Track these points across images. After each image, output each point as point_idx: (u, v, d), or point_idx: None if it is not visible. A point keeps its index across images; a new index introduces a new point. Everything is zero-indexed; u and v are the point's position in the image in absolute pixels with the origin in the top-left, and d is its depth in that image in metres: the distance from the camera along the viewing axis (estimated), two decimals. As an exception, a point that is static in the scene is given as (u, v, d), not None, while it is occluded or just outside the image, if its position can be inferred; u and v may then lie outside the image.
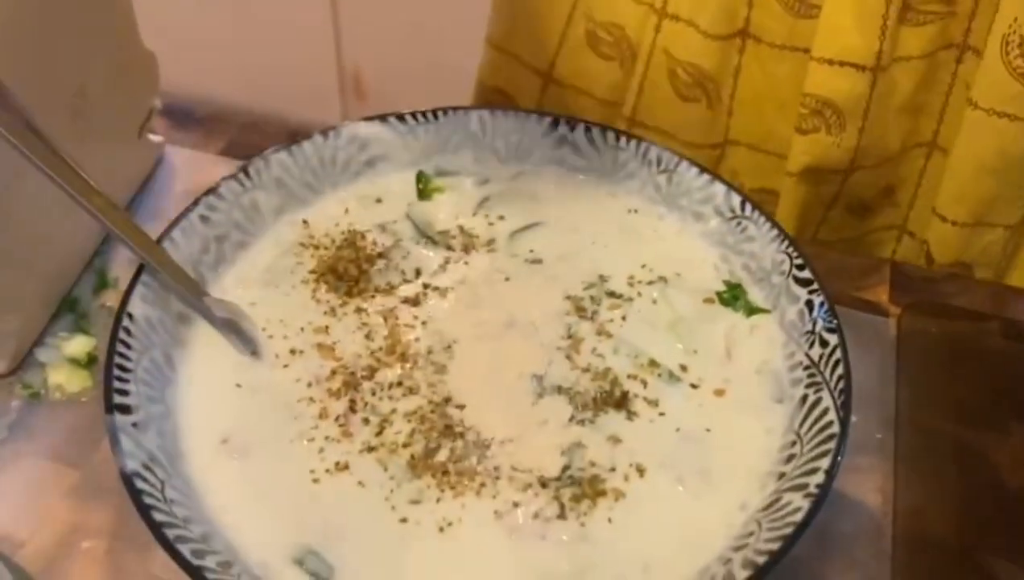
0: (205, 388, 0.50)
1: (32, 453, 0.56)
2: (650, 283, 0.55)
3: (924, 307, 0.64)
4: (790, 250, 0.53)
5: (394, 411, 0.49)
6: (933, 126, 0.71)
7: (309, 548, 0.44)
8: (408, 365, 0.51)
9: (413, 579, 0.44)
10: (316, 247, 0.57)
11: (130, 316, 0.48)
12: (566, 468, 0.47)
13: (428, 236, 0.57)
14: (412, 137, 0.59)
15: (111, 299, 0.63)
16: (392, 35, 1.77)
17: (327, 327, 0.53)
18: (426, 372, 0.50)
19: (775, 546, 0.41)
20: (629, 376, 0.51)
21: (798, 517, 0.42)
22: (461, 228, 0.58)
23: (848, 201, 0.76)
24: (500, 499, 0.46)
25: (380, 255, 0.56)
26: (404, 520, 0.45)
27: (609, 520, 0.45)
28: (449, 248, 0.57)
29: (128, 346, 0.47)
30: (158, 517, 0.41)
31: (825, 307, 0.50)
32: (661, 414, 0.49)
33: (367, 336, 0.52)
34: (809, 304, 0.51)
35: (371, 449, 0.47)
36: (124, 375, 0.46)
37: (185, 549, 0.40)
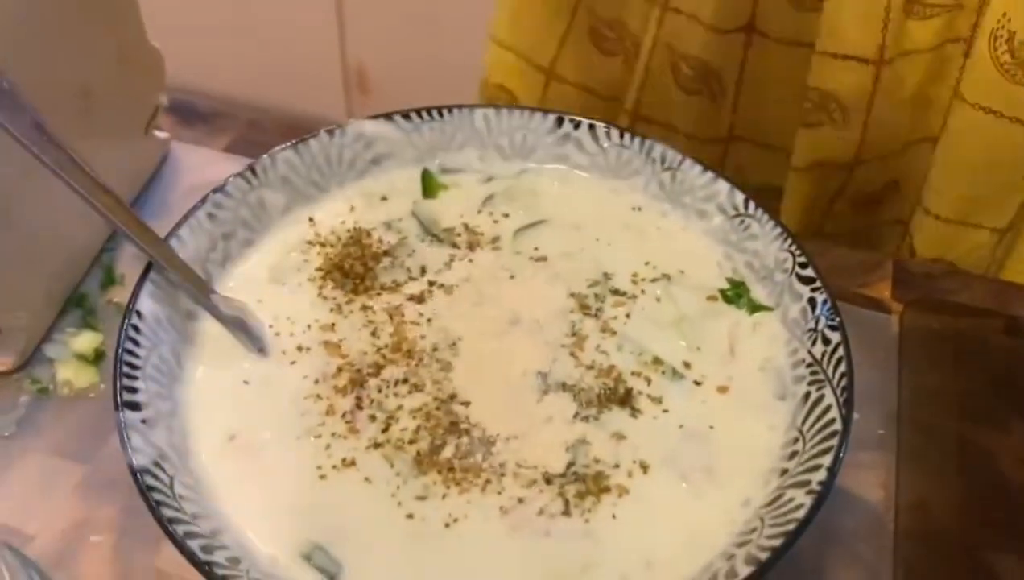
0: (213, 385, 0.50)
1: (40, 448, 0.56)
2: (654, 281, 0.55)
3: (927, 304, 0.64)
4: (793, 248, 0.53)
5: (400, 408, 0.49)
6: (940, 121, 0.71)
7: (316, 544, 0.44)
8: (414, 362, 0.51)
9: (419, 574, 0.44)
10: (322, 245, 0.57)
11: (139, 314, 0.49)
12: (570, 465, 0.47)
13: (433, 234, 0.58)
14: (417, 135, 0.60)
15: (118, 295, 0.64)
16: (396, 30, 1.77)
17: (333, 324, 0.53)
18: (431, 369, 0.51)
19: (777, 542, 0.41)
20: (633, 373, 0.51)
21: (800, 514, 0.42)
22: (466, 225, 0.58)
23: (853, 195, 0.76)
24: (505, 495, 0.46)
25: (386, 253, 0.56)
26: (410, 516, 0.45)
27: (613, 516, 0.46)
28: (454, 246, 0.57)
29: (137, 343, 0.48)
30: (168, 513, 0.42)
31: (828, 305, 0.50)
32: (665, 411, 0.50)
33: (373, 333, 0.52)
34: (812, 302, 0.51)
35: (377, 445, 0.48)
36: (133, 372, 0.47)
37: (195, 545, 0.41)
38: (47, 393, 0.59)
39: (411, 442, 0.48)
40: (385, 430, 0.48)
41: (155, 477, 0.43)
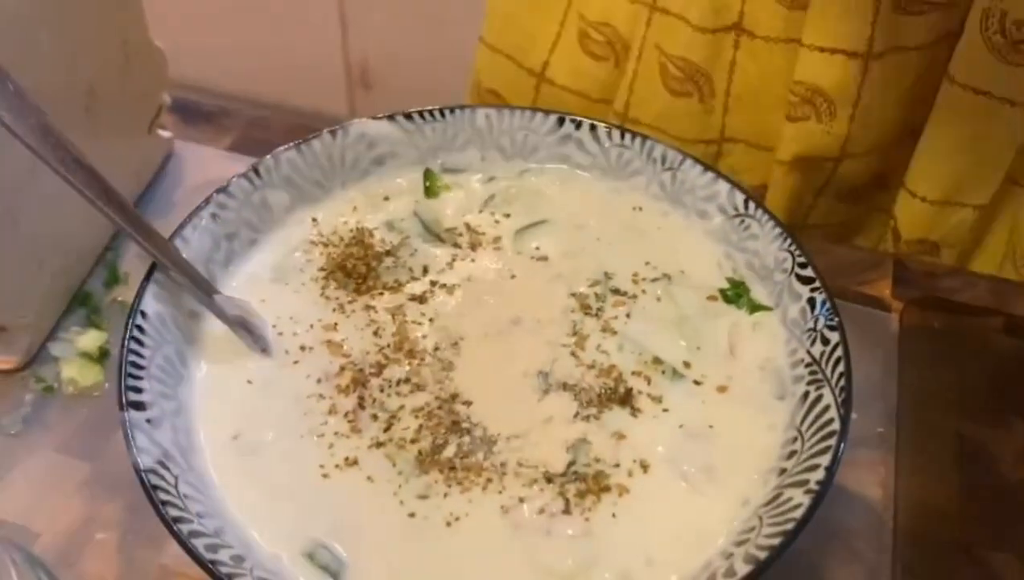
0: (217, 384, 0.50)
1: (46, 446, 0.57)
2: (654, 280, 0.56)
3: (926, 302, 0.64)
4: (792, 248, 0.53)
5: (402, 407, 0.49)
6: (924, 109, 0.71)
7: (320, 542, 0.45)
8: (416, 362, 0.51)
9: (421, 572, 0.44)
10: (325, 245, 0.57)
11: (143, 314, 0.49)
12: (571, 464, 0.47)
13: (435, 233, 0.58)
14: (419, 135, 0.60)
15: (122, 294, 0.64)
16: (398, 25, 1.77)
17: (336, 324, 0.53)
18: (433, 369, 0.51)
19: (776, 541, 0.42)
20: (633, 373, 0.51)
21: (799, 513, 0.42)
22: (468, 225, 0.58)
23: (838, 188, 0.76)
24: (506, 494, 0.46)
25: (388, 253, 0.57)
26: (412, 515, 0.46)
27: (613, 515, 0.46)
28: (456, 245, 0.57)
29: (141, 343, 0.48)
30: (172, 512, 0.42)
31: (827, 305, 0.50)
32: (665, 411, 0.50)
33: (375, 333, 0.53)
34: (811, 302, 0.51)
35: (380, 445, 0.48)
36: (138, 372, 0.47)
37: (199, 544, 0.41)
38: (52, 391, 0.59)
39: (413, 441, 0.48)
40: (387, 429, 0.49)
41: (160, 476, 0.44)
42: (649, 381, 0.51)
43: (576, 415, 0.49)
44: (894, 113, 0.70)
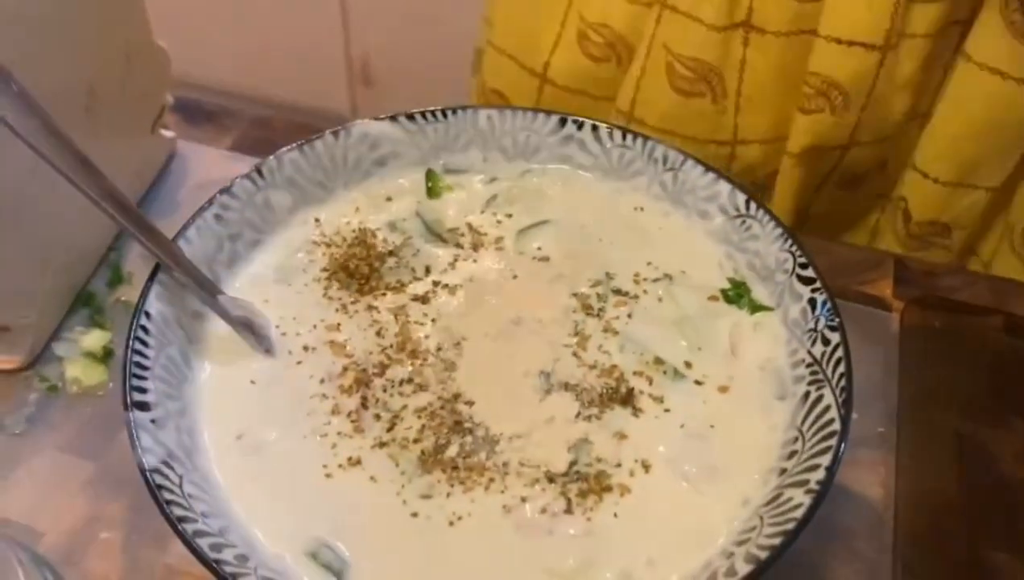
0: (220, 384, 0.51)
1: (50, 446, 0.57)
2: (656, 281, 0.56)
3: (927, 302, 0.65)
4: (793, 248, 0.53)
5: (405, 407, 0.50)
6: (930, 99, 0.71)
7: (323, 541, 0.45)
8: (418, 362, 0.52)
9: (424, 572, 0.45)
10: (328, 245, 0.57)
11: (147, 314, 0.49)
12: (573, 464, 0.48)
13: (437, 234, 0.58)
14: (421, 136, 0.60)
15: (126, 294, 0.64)
16: (399, 23, 1.77)
17: (339, 324, 0.53)
18: (436, 369, 0.51)
19: (776, 541, 0.42)
20: (635, 373, 0.51)
21: (799, 513, 0.43)
22: (470, 226, 0.59)
23: (841, 176, 0.76)
24: (508, 494, 0.47)
25: (390, 253, 0.57)
26: (415, 514, 0.46)
27: (615, 515, 0.46)
28: (458, 246, 0.58)
29: (146, 344, 0.48)
30: (177, 512, 0.42)
31: (827, 305, 0.50)
32: (666, 410, 0.50)
33: (378, 333, 0.53)
34: (812, 302, 0.51)
35: (382, 445, 0.48)
36: (142, 373, 0.47)
37: (204, 543, 0.41)
38: (56, 391, 0.59)
39: (416, 441, 0.48)
40: (390, 429, 0.49)
41: (164, 476, 0.44)
42: (650, 381, 0.51)
43: (578, 415, 0.50)
44: (900, 99, 0.70)
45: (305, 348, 0.53)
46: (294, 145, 0.57)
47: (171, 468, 0.45)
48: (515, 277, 0.56)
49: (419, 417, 0.49)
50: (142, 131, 0.69)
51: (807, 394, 0.49)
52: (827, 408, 0.47)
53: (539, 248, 0.58)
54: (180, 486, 0.44)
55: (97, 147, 0.49)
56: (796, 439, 0.47)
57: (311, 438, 0.49)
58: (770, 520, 0.44)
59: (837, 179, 0.76)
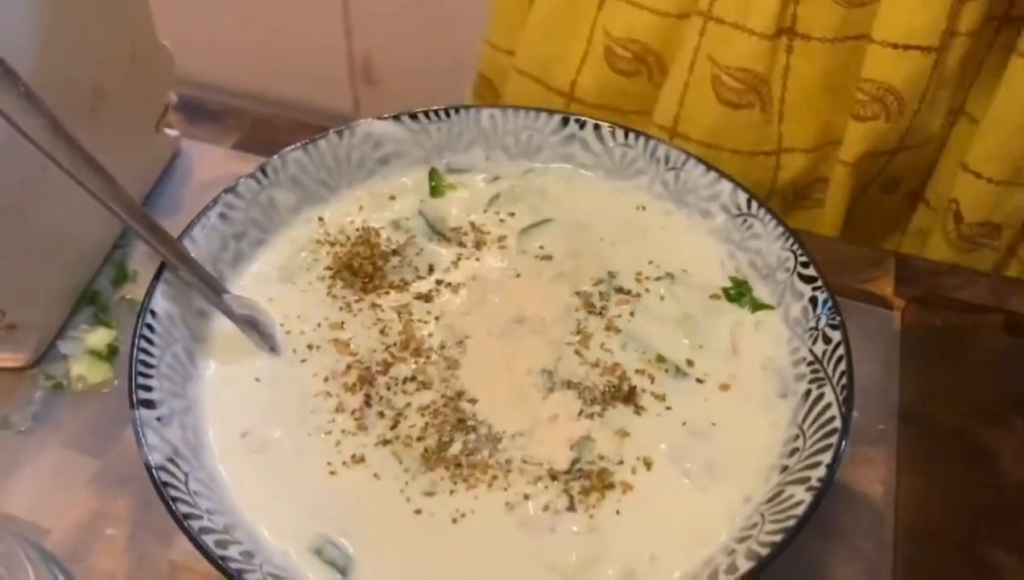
0: (225, 382, 0.51)
1: (56, 443, 0.57)
2: (658, 279, 0.56)
3: (928, 300, 0.65)
4: (794, 247, 0.53)
5: (408, 405, 0.50)
6: (962, 95, 0.71)
7: (327, 538, 0.45)
8: (421, 360, 0.52)
9: (427, 569, 0.45)
10: (332, 244, 0.58)
11: (152, 313, 0.49)
12: (575, 461, 0.48)
13: (440, 233, 0.58)
14: (424, 135, 0.60)
15: (131, 292, 0.65)
16: (401, 21, 1.77)
17: (343, 323, 0.54)
18: (439, 367, 0.52)
19: (777, 538, 0.42)
20: (637, 371, 0.52)
21: (800, 510, 0.43)
22: (473, 224, 0.59)
23: (885, 180, 0.76)
24: (511, 492, 0.47)
25: (394, 252, 0.57)
26: (419, 511, 0.46)
27: (617, 512, 0.46)
28: (461, 245, 0.58)
29: (151, 342, 0.49)
30: (183, 509, 0.42)
31: (828, 304, 0.51)
32: (668, 408, 0.50)
33: (382, 331, 0.53)
34: (813, 301, 0.51)
35: (386, 442, 0.49)
36: (148, 371, 0.48)
37: (209, 540, 0.42)
38: (62, 389, 0.60)
39: (419, 439, 0.49)
40: (394, 427, 0.49)
41: (170, 474, 0.44)
42: (652, 379, 0.51)
43: (580, 413, 0.50)
44: (943, 100, 0.70)
45: (309, 346, 0.53)
46: (298, 144, 0.58)
47: (176, 465, 0.45)
48: (518, 276, 0.56)
49: (422, 415, 0.50)
50: (147, 130, 0.70)
51: (808, 392, 0.49)
52: (828, 406, 0.47)
53: (541, 247, 0.58)
54: (185, 483, 0.44)
55: (102, 146, 0.49)
56: (797, 437, 0.48)
57: (315, 436, 0.49)
58: (771, 517, 0.44)
59: (881, 184, 0.76)
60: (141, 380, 0.47)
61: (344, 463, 0.48)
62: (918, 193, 0.79)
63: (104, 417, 0.58)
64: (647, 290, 0.56)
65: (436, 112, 0.60)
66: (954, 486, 0.56)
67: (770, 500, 0.45)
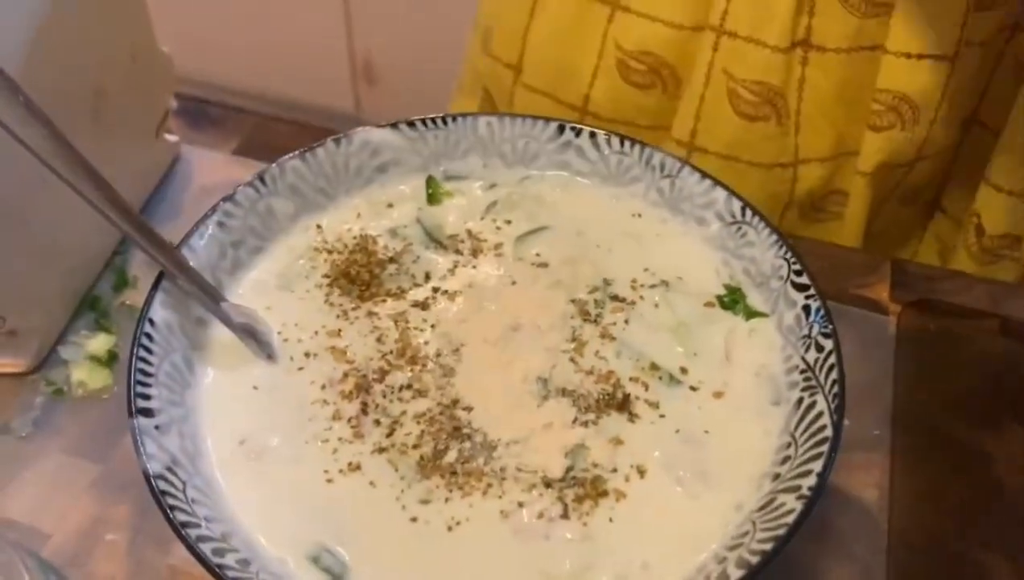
0: (223, 390, 0.51)
1: (56, 448, 0.58)
2: (652, 287, 0.56)
3: (923, 306, 0.65)
4: (788, 255, 0.53)
5: (404, 413, 0.50)
6: (976, 104, 0.72)
7: (324, 546, 0.46)
8: (417, 368, 0.52)
9: (423, 576, 0.45)
10: (329, 252, 0.58)
11: (151, 322, 0.50)
12: (569, 469, 0.48)
13: (437, 240, 0.59)
14: (422, 143, 0.61)
15: (131, 298, 0.65)
16: (402, 21, 1.77)
17: (340, 330, 0.54)
18: (435, 375, 0.52)
19: (768, 546, 0.42)
20: (631, 379, 0.52)
21: (791, 519, 0.43)
22: (469, 232, 0.59)
23: (904, 191, 0.76)
24: (506, 499, 0.47)
25: (391, 259, 0.57)
26: (414, 519, 0.47)
27: (610, 520, 0.47)
28: (458, 252, 0.58)
29: (150, 351, 0.49)
30: (180, 517, 0.43)
31: (821, 312, 0.51)
32: (662, 416, 0.51)
33: (378, 339, 0.54)
34: (806, 309, 0.52)
35: (382, 450, 0.49)
36: (146, 379, 0.48)
37: (206, 548, 0.42)
38: (62, 394, 0.60)
39: (415, 447, 0.49)
40: (390, 435, 0.50)
41: (168, 482, 0.45)
42: (646, 387, 0.52)
43: (575, 421, 0.50)
44: (958, 109, 0.71)
45: (307, 354, 0.53)
46: (296, 153, 0.58)
47: (175, 474, 0.45)
48: (514, 283, 0.57)
49: (418, 423, 0.50)
50: (147, 136, 0.70)
51: (800, 400, 0.49)
52: (820, 414, 0.47)
53: (538, 254, 0.58)
54: (183, 491, 0.45)
55: (103, 152, 0.50)
56: (789, 445, 0.48)
57: (312, 443, 0.49)
58: (762, 525, 0.44)
59: (900, 196, 0.76)
60: (140, 389, 0.47)
61: (341, 471, 0.48)
62: (935, 202, 0.80)
63: (104, 423, 0.59)
64: (642, 297, 0.56)
65: (433, 120, 0.61)
66: (948, 490, 0.56)
67: (762, 508, 0.46)
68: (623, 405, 0.51)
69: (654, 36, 0.73)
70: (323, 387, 0.52)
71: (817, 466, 0.45)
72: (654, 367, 0.52)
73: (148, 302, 0.50)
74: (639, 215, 0.60)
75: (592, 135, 0.60)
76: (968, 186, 0.75)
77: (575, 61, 0.77)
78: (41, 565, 0.43)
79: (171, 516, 0.43)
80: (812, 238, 0.74)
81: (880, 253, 0.74)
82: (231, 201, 0.56)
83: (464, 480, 0.48)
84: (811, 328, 0.51)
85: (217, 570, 0.42)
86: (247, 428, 0.50)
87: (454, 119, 0.61)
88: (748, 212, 0.56)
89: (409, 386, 0.51)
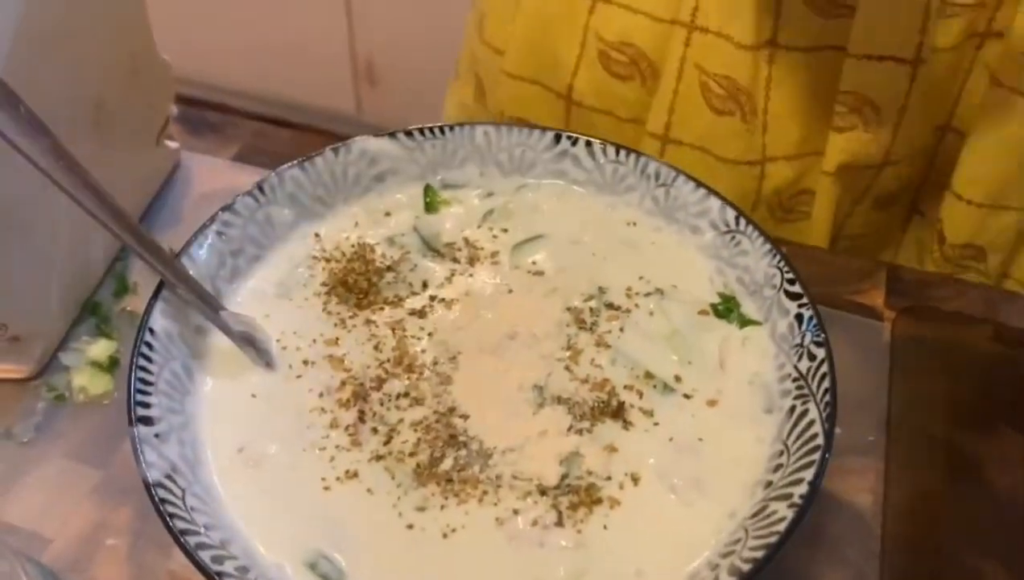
0: (222, 398, 0.52)
1: (57, 454, 0.58)
2: (647, 295, 0.57)
3: (918, 312, 0.65)
4: (781, 264, 0.54)
5: (401, 421, 0.51)
6: (948, 107, 0.72)
7: (321, 552, 0.46)
8: (414, 376, 0.53)
9: (419, 583, 0.46)
10: (327, 260, 0.58)
11: (151, 330, 0.50)
12: (564, 477, 0.49)
13: (434, 248, 0.59)
14: (419, 152, 0.61)
15: (131, 304, 0.66)
16: (404, 22, 1.78)
17: (337, 339, 0.55)
18: (432, 383, 0.52)
19: (759, 554, 0.43)
20: (626, 387, 0.52)
21: (782, 526, 0.43)
22: (466, 240, 0.60)
23: (876, 195, 0.76)
24: (501, 507, 0.48)
25: (389, 268, 0.58)
26: (410, 526, 0.47)
27: (605, 527, 0.47)
28: (455, 260, 0.59)
29: (150, 359, 0.49)
30: (180, 525, 0.43)
31: (814, 321, 0.51)
32: (656, 424, 0.51)
33: (376, 347, 0.54)
34: (799, 317, 0.52)
35: (379, 458, 0.49)
36: (146, 388, 0.48)
37: (206, 556, 0.43)
38: (63, 400, 0.61)
39: (411, 454, 0.50)
40: (387, 443, 0.50)
41: (168, 490, 0.45)
42: (641, 395, 0.52)
43: (570, 428, 0.51)
44: (929, 114, 0.71)
45: (305, 362, 0.54)
46: (295, 162, 0.59)
47: (174, 481, 0.46)
48: (510, 291, 0.57)
49: (415, 431, 0.50)
50: (147, 143, 0.71)
51: (793, 408, 0.50)
52: (812, 422, 0.48)
53: (534, 262, 0.59)
54: (183, 499, 0.45)
55: (103, 160, 0.50)
56: (782, 452, 0.48)
57: (310, 451, 0.50)
58: (754, 533, 0.45)
59: (873, 199, 0.77)
60: (140, 397, 0.48)
61: (338, 478, 0.49)
62: (913, 206, 0.80)
63: (105, 428, 0.59)
64: (637, 306, 0.56)
65: (431, 129, 0.61)
66: (942, 496, 0.57)
67: (754, 515, 0.46)
68: (618, 413, 0.51)
69: (635, 27, 0.74)
70: (321, 395, 0.52)
71: (809, 474, 0.45)
72: (649, 375, 0.53)
73: (148, 311, 0.51)
74: (634, 224, 0.60)
75: (588, 144, 0.61)
76: (943, 192, 0.76)
77: (557, 52, 0.78)
78: (42, 571, 0.43)
79: (170, 524, 0.43)
80: (797, 242, 0.75)
81: (857, 255, 0.74)
82: (230, 210, 0.56)
83: (460, 487, 0.48)
84: (804, 337, 0.51)
85: (216, 577, 0.42)
86: (246, 436, 0.50)
87: (451, 129, 0.61)
88: (742, 221, 0.56)
89: (406, 394, 0.52)
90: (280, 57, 1.88)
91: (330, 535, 0.47)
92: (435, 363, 0.53)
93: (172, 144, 0.74)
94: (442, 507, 0.48)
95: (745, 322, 0.55)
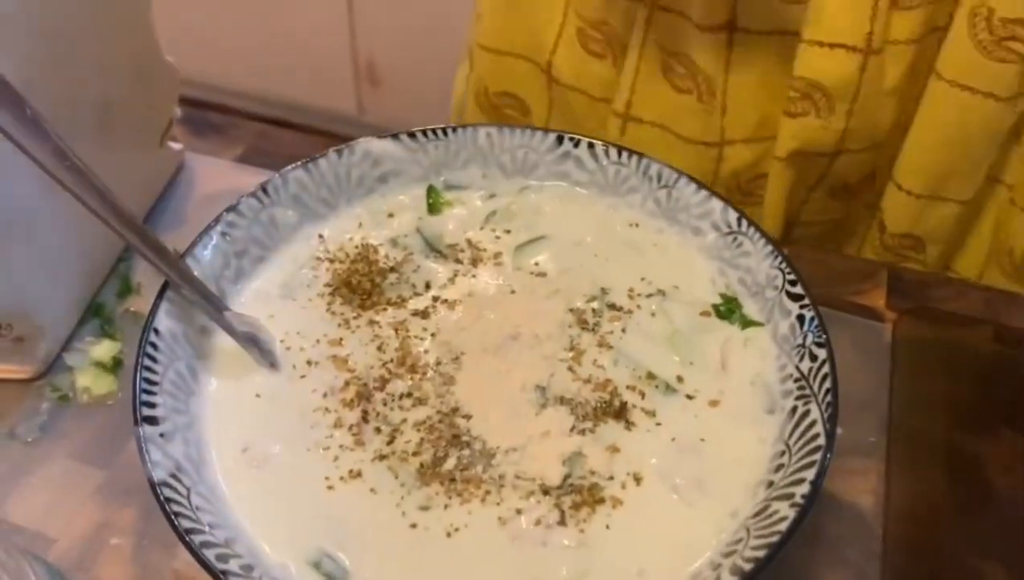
0: (227, 398, 0.52)
1: (62, 454, 0.58)
2: (649, 296, 0.57)
3: (919, 313, 0.65)
4: (783, 265, 0.54)
5: (404, 421, 0.51)
6: (913, 106, 0.72)
7: (325, 551, 0.46)
8: (417, 376, 0.53)
9: (422, 582, 0.46)
10: (331, 261, 0.59)
11: (156, 331, 0.51)
12: (567, 477, 0.49)
13: (437, 249, 0.59)
14: (423, 153, 0.61)
15: (135, 304, 0.66)
16: (405, 23, 1.78)
17: (341, 339, 0.55)
18: (435, 383, 0.53)
19: (761, 554, 0.43)
20: (628, 387, 0.53)
21: (784, 526, 0.44)
22: (469, 241, 0.60)
23: (832, 184, 0.77)
24: (504, 506, 0.48)
25: (392, 269, 0.58)
26: (414, 526, 0.47)
27: (607, 527, 0.47)
28: (457, 261, 0.59)
29: (155, 360, 0.50)
30: (185, 524, 0.44)
31: (815, 322, 0.51)
32: (658, 424, 0.51)
33: (379, 348, 0.54)
34: (800, 318, 0.52)
35: (383, 457, 0.50)
36: (151, 388, 0.49)
37: (210, 554, 0.43)
38: (67, 400, 0.61)
39: (415, 454, 0.50)
40: (390, 442, 0.50)
41: (173, 489, 0.45)
42: (643, 395, 0.52)
43: (572, 429, 0.51)
44: (888, 107, 0.71)
45: (309, 363, 0.54)
46: (298, 164, 0.59)
47: (179, 481, 0.46)
48: (513, 292, 0.57)
49: (418, 430, 0.51)
50: (151, 144, 0.71)
51: (795, 409, 0.50)
52: (813, 423, 0.48)
53: (536, 263, 0.59)
54: (188, 498, 0.46)
55: (108, 162, 0.50)
56: (783, 453, 0.49)
57: (314, 451, 0.50)
58: (756, 532, 0.45)
59: (828, 187, 0.77)
60: (145, 397, 0.48)
61: (342, 478, 0.49)
62: (875, 202, 0.80)
63: (109, 428, 0.59)
64: (639, 307, 0.57)
65: (434, 131, 0.61)
66: (943, 496, 0.57)
67: (756, 515, 0.46)
68: (620, 413, 0.51)
69: (611, 6, 0.74)
70: (324, 395, 0.52)
71: (810, 474, 0.46)
72: (651, 376, 0.53)
73: (153, 312, 0.51)
74: (636, 225, 0.61)
75: (591, 146, 0.61)
76: None
77: (541, 26, 0.78)
78: (48, 570, 0.44)
79: (176, 523, 0.44)
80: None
81: (812, 244, 0.75)
82: (234, 212, 0.57)
83: (463, 487, 0.48)
84: (805, 338, 0.52)
85: (221, 576, 0.42)
86: (250, 436, 0.51)
87: (454, 130, 0.61)
88: (744, 223, 0.57)
89: (409, 394, 0.52)
90: (282, 58, 1.88)
91: (334, 534, 0.47)
92: (438, 363, 0.54)
93: (176, 145, 0.74)
94: (445, 507, 0.48)
95: (747, 323, 0.56)
